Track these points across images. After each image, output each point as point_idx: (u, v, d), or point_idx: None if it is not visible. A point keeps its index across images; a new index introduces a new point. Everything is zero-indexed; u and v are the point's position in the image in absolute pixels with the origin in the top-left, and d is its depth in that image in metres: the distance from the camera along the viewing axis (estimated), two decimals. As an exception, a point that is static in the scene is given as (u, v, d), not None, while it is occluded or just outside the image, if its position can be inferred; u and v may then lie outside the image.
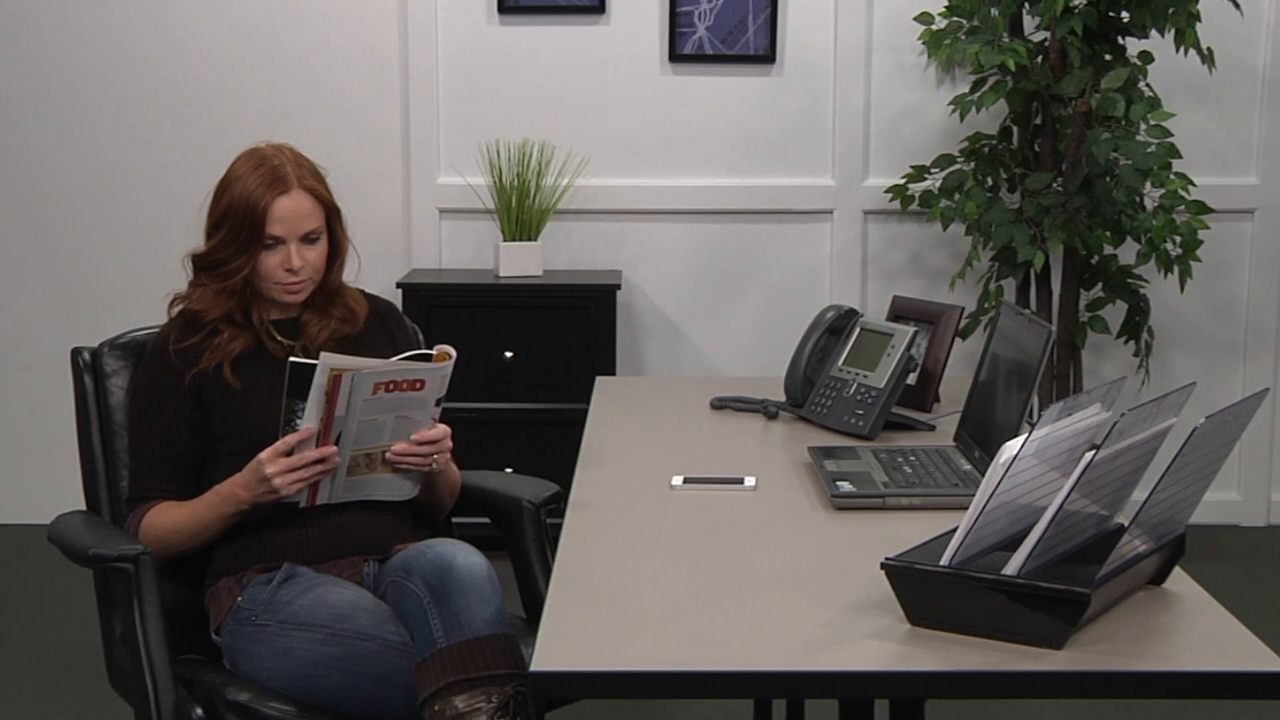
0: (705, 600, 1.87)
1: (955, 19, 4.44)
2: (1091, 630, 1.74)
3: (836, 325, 2.87)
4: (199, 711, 2.28)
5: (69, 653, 3.82)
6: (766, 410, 2.85)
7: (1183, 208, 4.21)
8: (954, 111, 4.41)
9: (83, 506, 2.56)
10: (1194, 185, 4.25)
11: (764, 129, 4.81)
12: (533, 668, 1.66)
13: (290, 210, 2.44)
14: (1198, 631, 1.79)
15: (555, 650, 1.71)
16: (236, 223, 2.43)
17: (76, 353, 2.59)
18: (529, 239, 4.65)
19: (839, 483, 2.29)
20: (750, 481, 2.37)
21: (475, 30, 4.77)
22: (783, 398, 2.89)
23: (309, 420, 2.30)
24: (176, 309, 2.52)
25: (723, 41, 4.74)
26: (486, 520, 2.67)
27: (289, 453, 2.31)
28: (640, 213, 4.84)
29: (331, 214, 2.52)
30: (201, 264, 2.49)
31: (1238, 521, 4.99)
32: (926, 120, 4.79)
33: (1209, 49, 4.32)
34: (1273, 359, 4.94)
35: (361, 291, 2.64)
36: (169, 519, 2.42)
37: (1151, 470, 1.83)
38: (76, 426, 2.57)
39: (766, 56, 4.75)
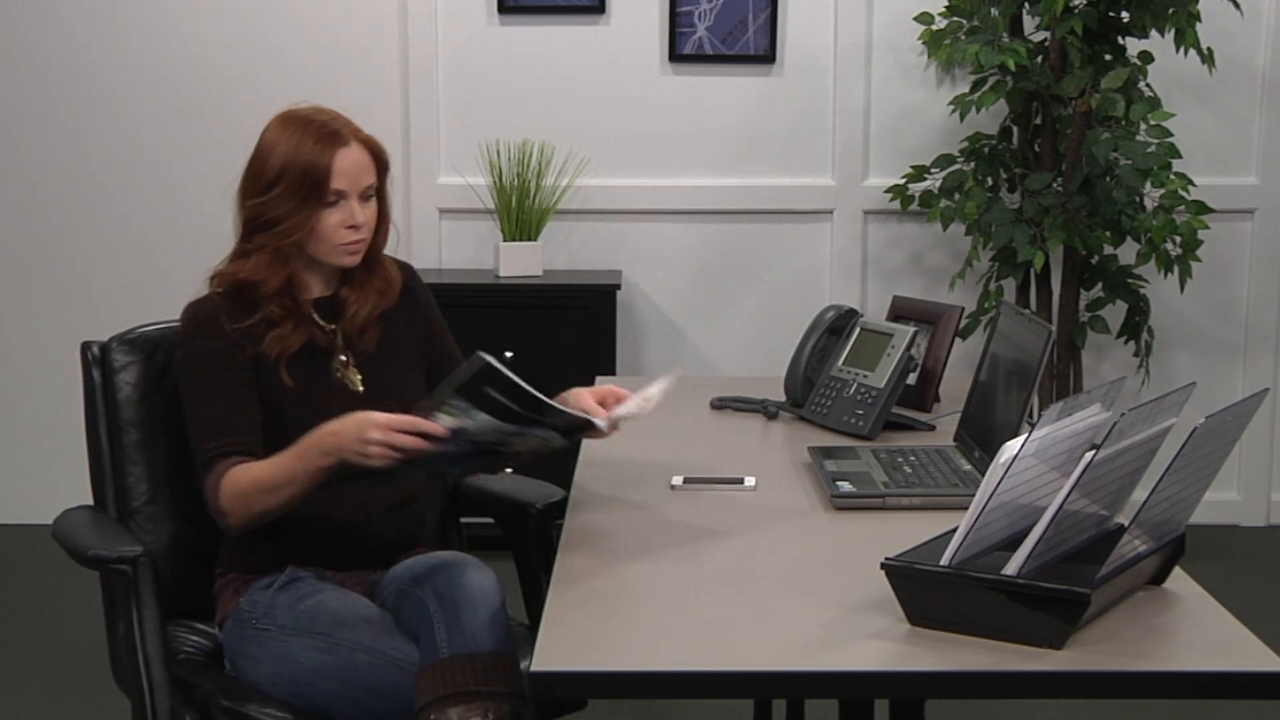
0: (705, 600, 1.87)
1: (955, 19, 4.44)
2: (1091, 630, 1.74)
3: (836, 325, 2.87)
4: (194, 715, 2.28)
5: (71, 653, 3.81)
6: (766, 410, 2.85)
7: (1183, 208, 4.21)
8: (954, 111, 4.41)
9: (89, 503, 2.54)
10: (1194, 185, 4.24)
11: (764, 129, 4.81)
12: (533, 668, 1.66)
13: (352, 163, 2.35)
14: (1198, 631, 1.79)
15: (555, 650, 1.70)
16: (295, 179, 2.31)
17: (86, 347, 2.56)
18: (529, 239, 4.65)
19: (839, 483, 2.29)
20: (750, 481, 2.37)
21: (475, 30, 4.77)
22: (783, 398, 2.89)
23: (453, 423, 2.07)
24: (222, 283, 2.37)
25: (723, 41, 4.74)
26: (490, 520, 2.67)
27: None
28: (640, 213, 4.84)
29: (383, 172, 2.42)
30: (255, 224, 2.34)
31: (1238, 521, 4.99)
32: (926, 120, 4.79)
33: (1209, 49, 4.31)
34: (1273, 359, 4.94)
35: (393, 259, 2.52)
36: (252, 473, 2.25)
37: (1151, 470, 1.82)
38: (85, 421, 2.55)
39: (766, 56, 4.75)
